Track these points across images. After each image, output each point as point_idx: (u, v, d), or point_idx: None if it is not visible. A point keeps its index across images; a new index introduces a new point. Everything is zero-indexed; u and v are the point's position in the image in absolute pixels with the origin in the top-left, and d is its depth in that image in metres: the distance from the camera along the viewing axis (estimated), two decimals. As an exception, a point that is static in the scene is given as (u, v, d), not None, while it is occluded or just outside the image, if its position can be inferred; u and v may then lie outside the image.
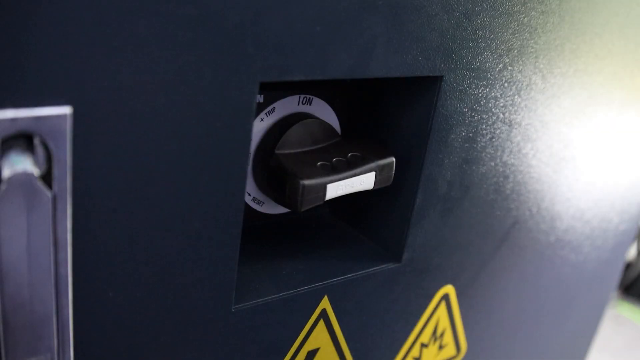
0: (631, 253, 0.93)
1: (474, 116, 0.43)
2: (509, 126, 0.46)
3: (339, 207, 0.52)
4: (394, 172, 0.43)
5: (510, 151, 0.48)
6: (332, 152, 0.42)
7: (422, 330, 0.52)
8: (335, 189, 0.40)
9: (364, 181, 0.41)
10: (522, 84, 0.45)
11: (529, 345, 0.68)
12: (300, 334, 0.42)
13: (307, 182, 0.38)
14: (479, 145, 0.45)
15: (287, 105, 0.43)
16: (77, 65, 0.26)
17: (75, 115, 0.27)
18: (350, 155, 0.42)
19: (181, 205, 0.32)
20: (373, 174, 0.41)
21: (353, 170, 0.40)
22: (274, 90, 0.42)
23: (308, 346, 0.43)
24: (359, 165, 0.41)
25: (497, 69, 0.43)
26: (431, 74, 0.39)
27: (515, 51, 0.43)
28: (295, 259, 0.45)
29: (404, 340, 0.50)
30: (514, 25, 0.42)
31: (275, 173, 0.40)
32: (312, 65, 0.33)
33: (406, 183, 0.44)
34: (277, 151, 0.41)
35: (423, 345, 0.53)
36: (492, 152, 0.47)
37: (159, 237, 0.32)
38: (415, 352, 0.52)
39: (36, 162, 0.26)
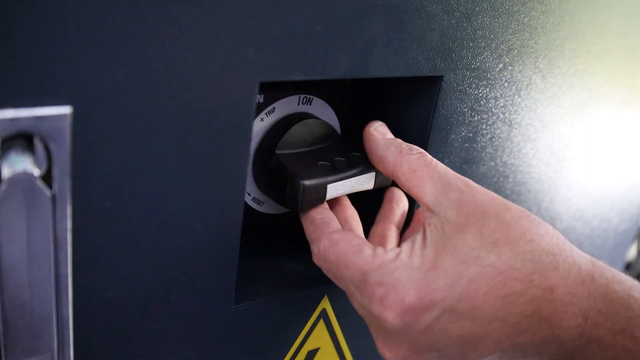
0: (631, 253, 0.93)
1: (474, 116, 0.43)
2: (509, 126, 0.46)
3: (339, 207, 0.51)
4: (394, 172, 0.43)
5: (510, 151, 0.48)
6: (332, 152, 0.42)
7: (422, 330, 0.51)
8: (336, 189, 0.40)
9: (364, 181, 0.41)
10: (522, 84, 0.45)
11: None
12: (300, 334, 0.42)
13: (307, 182, 0.38)
14: (479, 145, 0.45)
15: (287, 105, 0.43)
16: (77, 65, 0.26)
17: (75, 115, 0.27)
18: (351, 155, 0.42)
19: (181, 205, 0.32)
20: (373, 174, 0.41)
21: (353, 170, 0.40)
22: (274, 90, 0.42)
23: (308, 346, 0.43)
24: (359, 165, 0.41)
25: (497, 69, 0.43)
26: (431, 74, 0.39)
27: (515, 51, 0.43)
28: (295, 259, 0.45)
29: (404, 340, 0.50)
30: (514, 25, 0.42)
31: (275, 173, 0.40)
32: (312, 65, 0.33)
33: (406, 183, 0.44)
34: (277, 151, 0.41)
35: (423, 345, 0.53)
36: (492, 152, 0.47)
37: (159, 237, 0.32)
38: (415, 352, 0.52)
39: (36, 162, 0.26)
